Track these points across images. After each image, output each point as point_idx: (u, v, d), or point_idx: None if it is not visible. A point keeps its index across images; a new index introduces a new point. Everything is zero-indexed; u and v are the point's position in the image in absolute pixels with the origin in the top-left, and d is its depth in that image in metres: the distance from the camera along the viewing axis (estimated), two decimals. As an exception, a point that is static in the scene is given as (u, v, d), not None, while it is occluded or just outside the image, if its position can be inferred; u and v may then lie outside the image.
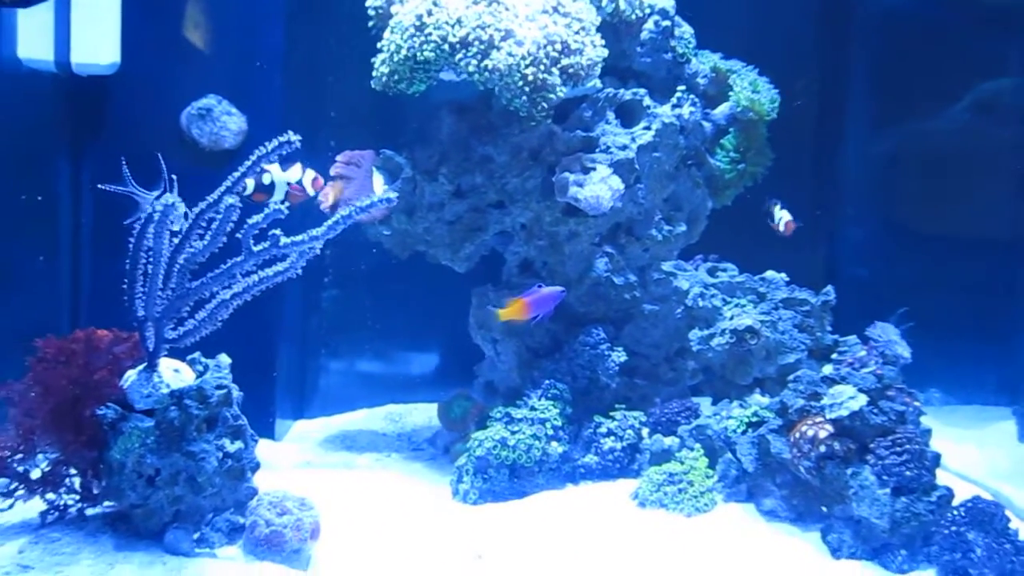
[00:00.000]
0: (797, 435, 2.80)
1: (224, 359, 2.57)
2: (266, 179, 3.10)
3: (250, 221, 2.24)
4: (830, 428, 2.76)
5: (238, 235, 2.30)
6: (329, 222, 2.27)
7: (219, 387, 2.42)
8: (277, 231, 2.26)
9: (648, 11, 3.50)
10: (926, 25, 4.37)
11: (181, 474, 2.36)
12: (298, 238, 2.27)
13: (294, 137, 2.28)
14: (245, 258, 2.25)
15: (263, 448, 3.63)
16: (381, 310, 4.41)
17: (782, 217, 3.63)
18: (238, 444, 2.42)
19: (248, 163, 2.26)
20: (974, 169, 4.36)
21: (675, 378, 3.64)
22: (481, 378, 3.83)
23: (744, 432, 3.05)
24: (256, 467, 2.60)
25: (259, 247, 2.25)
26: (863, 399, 2.75)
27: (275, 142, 2.27)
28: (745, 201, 3.93)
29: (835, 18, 4.60)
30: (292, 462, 3.56)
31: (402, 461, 3.61)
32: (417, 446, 3.82)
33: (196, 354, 2.58)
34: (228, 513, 2.50)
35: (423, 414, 4.15)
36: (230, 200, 2.15)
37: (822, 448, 2.74)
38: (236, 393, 2.49)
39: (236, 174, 2.28)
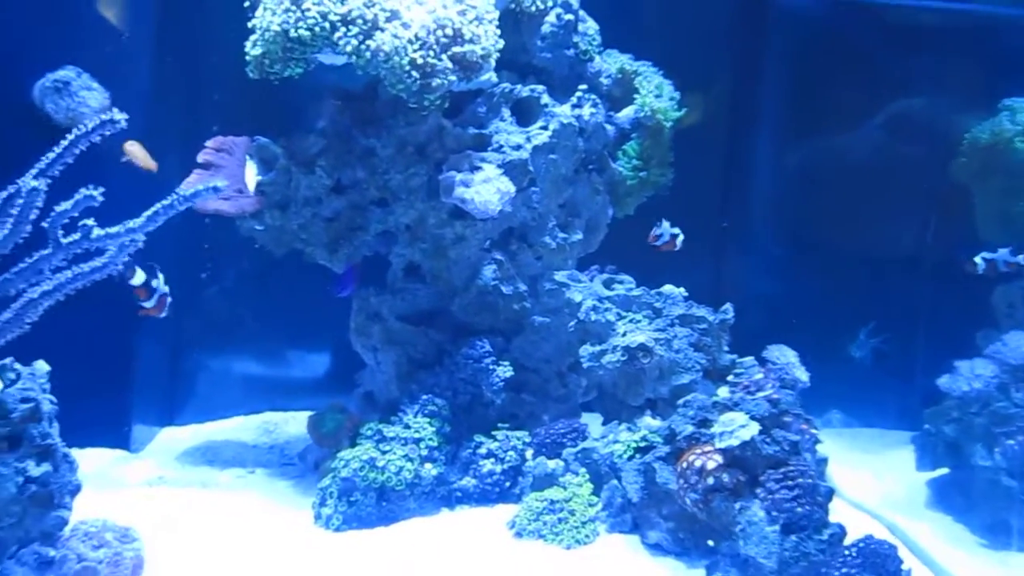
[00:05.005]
0: (684, 465, 2.60)
1: (41, 366, 2.24)
2: None
3: (58, 209, 1.92)
4: (719, 459, 2.56)
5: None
6: (148, 212, 1.97)
7: (24, 400, 2.09)
8: (90, 221, 1.94)
9: (551, 3, 3.26)
10: (841, 40, 4.27)
11: (-27, 501, 2.02)
12: (113, 230, 1.96)
13: (119, 115, 1.97)
14: (53, 251, 1.93)
15: (115, 461, 3.32)
16: (262, 310, 4.10)
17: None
18: (45, 467, 2.09)
19: (63, 145, 1.94)
20: (883, 188, 4.25)
21: (566, 395, 3.41)
22: (361, 388, 3.55)
23: (631, 458, 2.84)
24: (75, 490, 2.27)
25: (69, 239, 1.93)
26: (755, 428, 2.56)
27: (96, 120, 1.96)
28: (650, 211, 3.74)
29: (751, 29, 4.46)
30: (143, 478, 3.22)
31: (266, 478, 3.30)
32: (288, 460, 3.52)
33: (8, 359, 2.24)
34: (36, 545, 2.16)
35: (300, 424, 3.80)
36: (32, 183, 1.83)
37: (710, 480, 2.54)
38: (48, 407, 2.16)
39: (49, 156, 1.96)
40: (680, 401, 2.76)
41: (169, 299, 2.81)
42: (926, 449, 3.31)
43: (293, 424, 3.94)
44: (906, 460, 3.50)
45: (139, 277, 2.66)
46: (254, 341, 4.17)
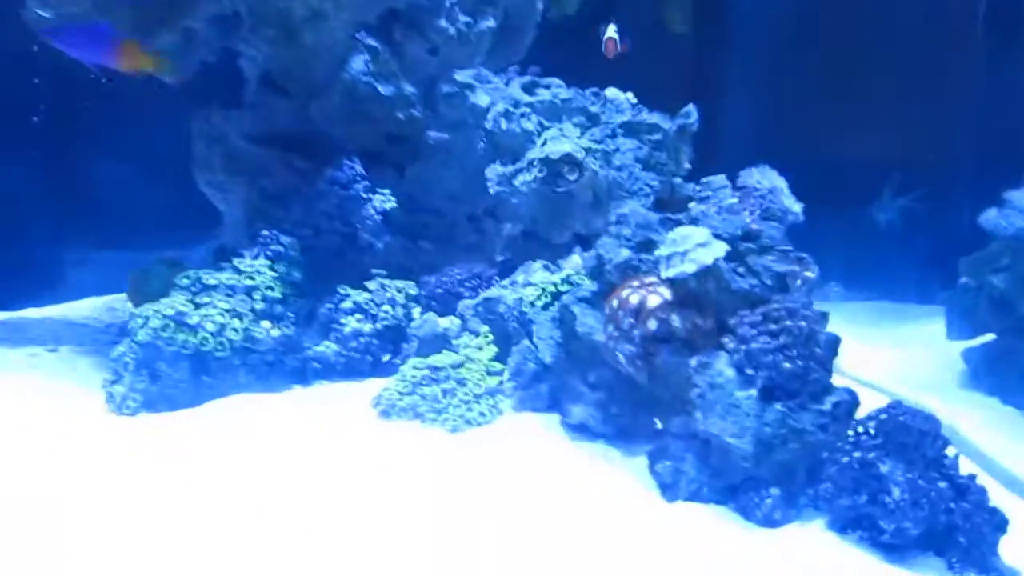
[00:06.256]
0: (615, 303, 1.74)
1: None
2: None
3: None
4: (667, 293, 1.71)
5: None
6: None
7: None
8: None
9: None
10: None
11: None
12: None
13: None
14: None
15: None
16: (111, 172, 3.29)
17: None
18: None
19: None
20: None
21: (479, 243, 2.55)
22: (216, 241, 2.69)
23: (547, 306, 1.98)
24: None
25: None
26: (720, 248, 1.69)
27: None
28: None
29: None
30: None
31: (69, 355, 2.50)
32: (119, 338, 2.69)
33: None
34: None
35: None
36: None
37: (652, 324, 1.69)
38: None
39: None
40: (612, 217, 1.88)
41: None
42: (963, 310, 2.46)
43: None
44: (930, 332, 2.67)
45: None
46: (103, 213, 3.35)
